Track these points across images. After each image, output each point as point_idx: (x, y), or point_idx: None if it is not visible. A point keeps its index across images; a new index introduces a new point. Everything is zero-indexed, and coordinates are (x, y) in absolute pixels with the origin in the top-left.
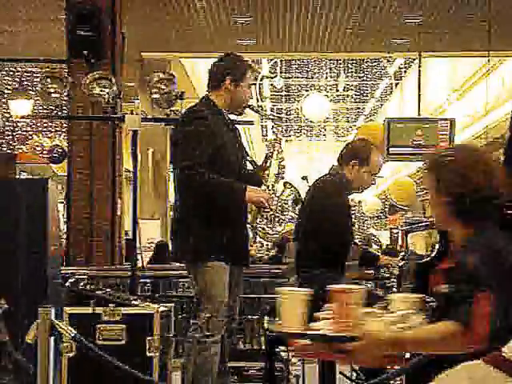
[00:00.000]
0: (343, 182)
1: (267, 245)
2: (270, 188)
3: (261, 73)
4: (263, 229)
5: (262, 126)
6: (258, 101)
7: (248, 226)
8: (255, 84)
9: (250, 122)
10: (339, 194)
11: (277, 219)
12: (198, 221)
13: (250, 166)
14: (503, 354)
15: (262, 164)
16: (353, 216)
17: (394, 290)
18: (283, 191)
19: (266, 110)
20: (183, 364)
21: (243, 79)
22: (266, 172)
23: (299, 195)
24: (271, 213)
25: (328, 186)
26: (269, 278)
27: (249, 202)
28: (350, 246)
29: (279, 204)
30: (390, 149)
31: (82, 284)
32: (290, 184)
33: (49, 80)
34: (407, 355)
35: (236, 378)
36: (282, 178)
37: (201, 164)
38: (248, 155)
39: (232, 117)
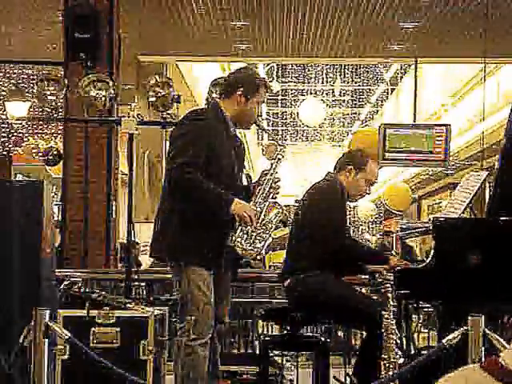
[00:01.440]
0: (339, 186)
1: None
2: (258, 205)
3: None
4: (241, 244)
5: (257, 130)
6: None
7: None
8: (264, 102)
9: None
10: (335, 197)
11: (258, 237)
12: (185, 223)
13: (244, 180)
14: (500, 361)
15: (257, 180)
16: (348, 221)
17: (389, 295)
18: (271, 211)
19: (261, 115)
20: (173, 368)
21: (254, 95)
22: (259, 188)
23: (287, 217)
24: (252, 229)
25: (324, 189)
26: (262, 282)
27: (233, 214)
28: (346, 249)
29: (263, 223)
30: (386, 154)
31: (76, 287)
32: (279, 205)
33: (45, 82)
34: (400, 361)
35: (230, 382)
36: (274, 198)
37: (194, 165)
38: (245, 168)
39: None
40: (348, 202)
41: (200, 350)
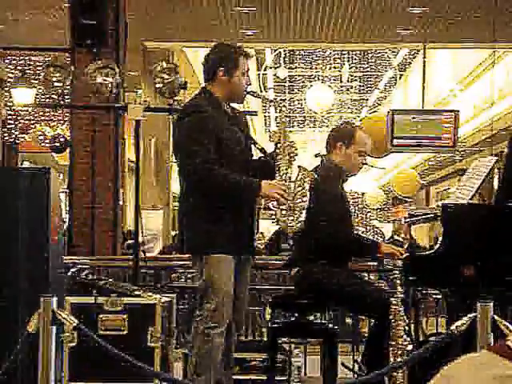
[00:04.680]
0: (332, 169)
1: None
2: (283, 175)
3: (252, 56)
4: (284, 221)
5: (265, 116)
6: (261, 91)
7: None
8: (249, 69)
9: (254, 113)
10: (330, 184)
11: (297, 208)
12: (205, 213)
13: (260, 154)
14: (508, 343)
15: (272, 152)
16: (352, 206)
17: (398, 282)
18: (297, 176)
19: (251, 84)
20: (187, 354)
21: (236, 68)
22: (278, 157)
23: (313, 176)
24: (289, 203)
25: (317, 180)
26: (271, 270)
27: (264, 198)
28: (350, 237)
29: (295, 191)
30: (394, 140)
31: (84, 274)
32: (304, 168)
33: (51, 69)
34: (409, 347)
35: (238, 369)
36: (294, 160)
37: (211, 159)
38: (256, 143)
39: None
40: (358, 188)
41: (216, 338)
